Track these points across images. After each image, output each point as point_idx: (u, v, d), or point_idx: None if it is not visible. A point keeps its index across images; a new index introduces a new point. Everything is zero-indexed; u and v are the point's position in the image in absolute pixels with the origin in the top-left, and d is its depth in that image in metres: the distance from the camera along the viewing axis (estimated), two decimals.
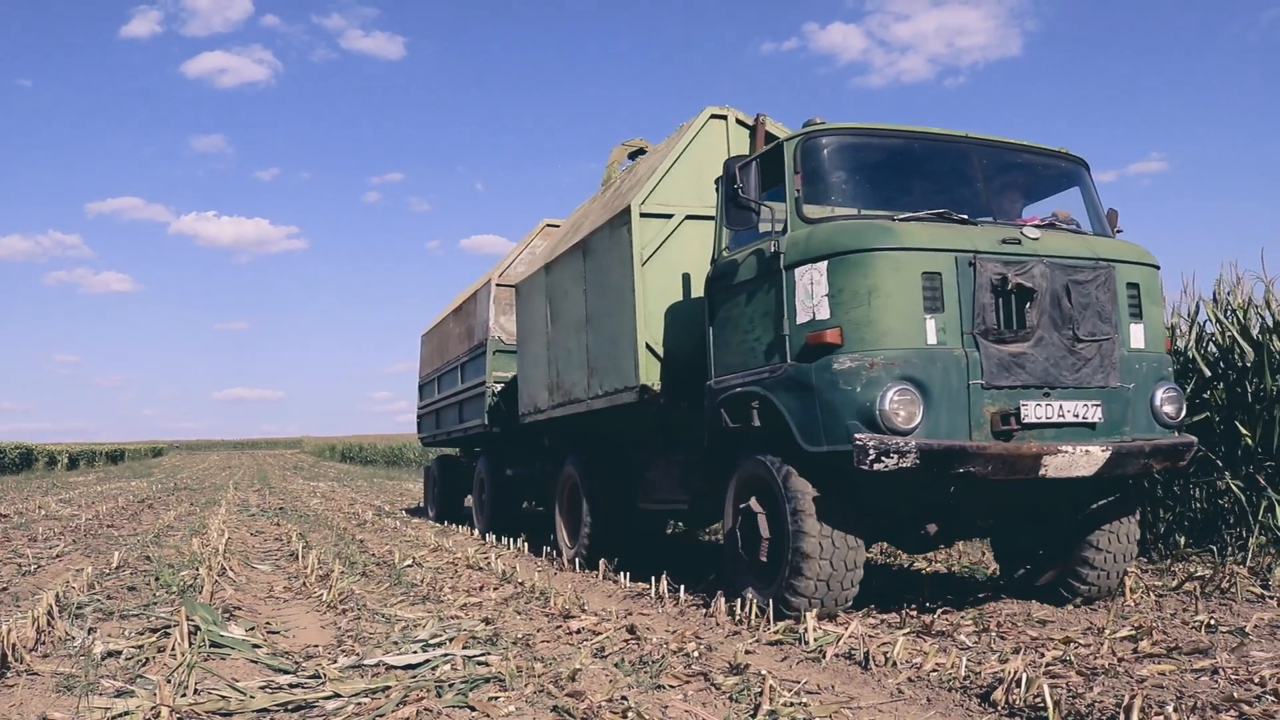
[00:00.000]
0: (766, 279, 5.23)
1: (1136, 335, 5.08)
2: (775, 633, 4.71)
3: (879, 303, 4.67)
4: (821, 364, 4.76)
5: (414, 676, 3.89)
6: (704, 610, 5.49)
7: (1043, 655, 4.12)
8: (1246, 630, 4.55)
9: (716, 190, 5.79)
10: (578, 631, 4.90)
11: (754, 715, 3.35)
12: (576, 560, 7.77)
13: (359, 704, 3.53)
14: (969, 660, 3.95)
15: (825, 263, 4.84)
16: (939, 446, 4.47)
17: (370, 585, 6.69)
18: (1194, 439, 5.14)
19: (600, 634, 4.78)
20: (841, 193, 5.34)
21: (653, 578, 6.26)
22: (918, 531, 5.34)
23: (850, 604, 5.04)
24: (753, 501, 5.26)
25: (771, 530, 5.11)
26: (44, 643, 4.67)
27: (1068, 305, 4.83)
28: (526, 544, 9.33)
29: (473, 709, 3.46)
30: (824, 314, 4.82)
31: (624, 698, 3.55)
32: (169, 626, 4.86)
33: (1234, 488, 6.70)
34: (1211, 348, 7.54)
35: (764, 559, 5.13)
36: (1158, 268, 5.28)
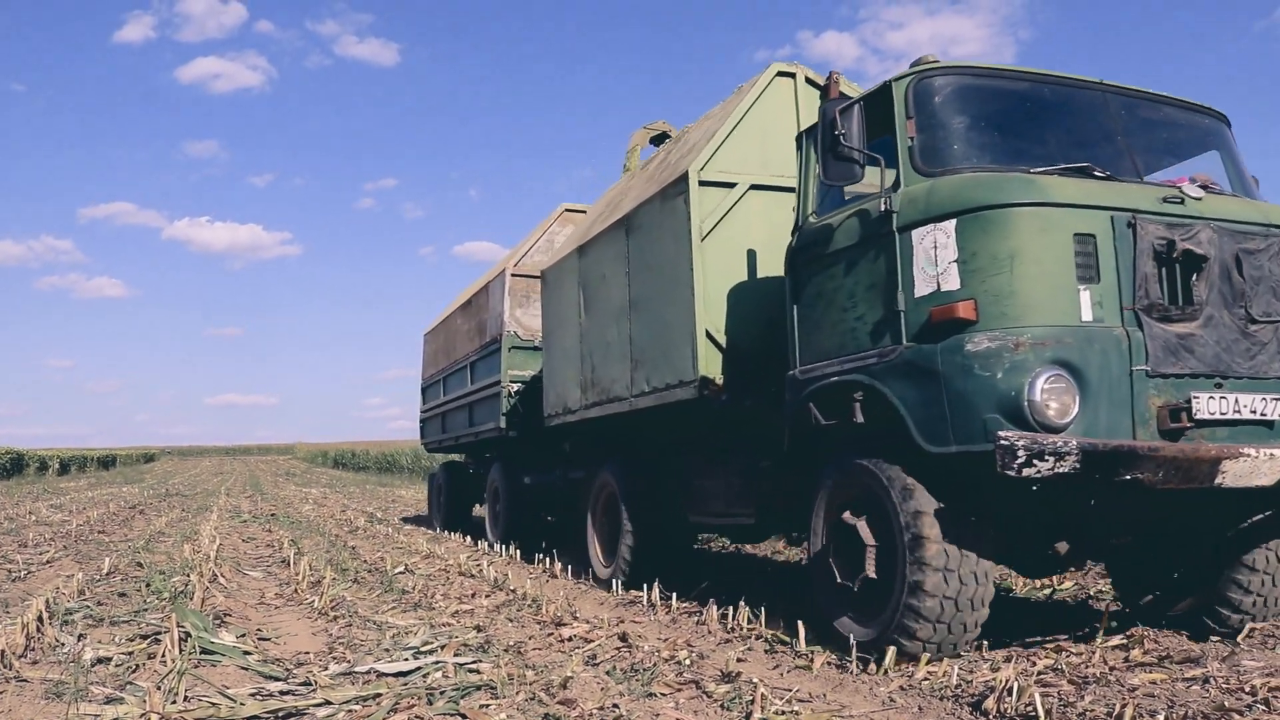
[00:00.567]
0: (873, 244, 4.45)
1: None
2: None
3: (1024, 270, 3.92)
4: (950, 345, 3.99)
5: (405, 684, 3.88)
6: (696, 618, 5.48)
7: (1034, 664, 4.12)
8: (1238, 639, 4.56)
9: (799, 148, 5.17)
10: (569, 639, 4.89)
11: None
12: (615, 581, 6.83)
13: (350, 711, 3.52)
14: (960, 668, 3.95)
15: (953, 222, 4.08)
16: (1104, 448, 3.64)
17: (362, 592, 6.67)
18: None
19: (592, 641, 4.77)
20: (963, 142, 4.47)
21: (644, 585, 6.25)
22: (1044, 551, 4.56)
23: (971, 645, 4.26)
24: (851, 516, 4.44)
25: (878, 551, 4.28)
26: (34, 649, 4.64)
27: (1239, 279, 4.11)
28: (519, 551, 9.32)
29: (464, 717, 3.45)
30: (952, 284, 4.05)
31: (615, 705, 3.55)
32: (159, 633, 4.84)
33: None
34: None
35: (866, 587, 4.30)
36: None
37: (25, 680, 4.05)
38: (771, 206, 5.94)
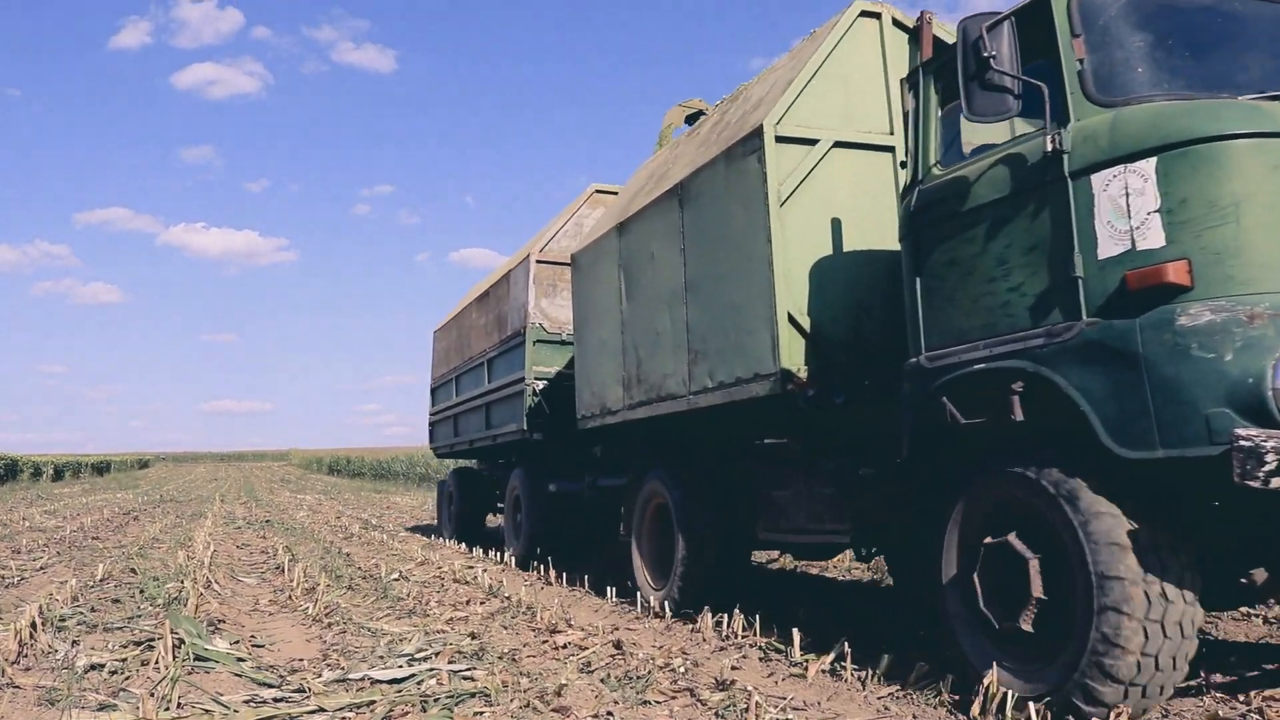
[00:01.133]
0: (1033, 195, 3.62)
1: None
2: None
3: (1254, 219, 3.13)
4: (1155, 319, 3.17)
5: (399, 691, 3.88)
6: (690, 625, 5.48)
7: None
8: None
9: (912, 87, 4.46)
10: (564, 646, 4.89)
11: None
12: (666, 605, 5.92)
13: (344, 718, 3.52)
14: (954, 675, 3.96)
15: (1152, 161, 3.28)
16: None
17: (356, 599, 6.66)
18: None
19: (587, 649, 4.77)
20: (1150, 64, 3.62)
21: (638, 593, 6.25)
22: (1235, 579, 3.74)
23: (1173, 692, 3.43)
24: (1017, 541, 3.53)
25: (1046, 580, 3.44)
26: (26, 655, 4.63)
27: None
28: (514, 559, 9.31)
29: None
30: (1153, 240, 3.25)
31: (610, 713, 3.55)
32: (153, 639, 4.83)
33: None
34: None
35: (1029, 624, 3.46)
36: None
37: (18, 687, 4.04)
38: (858, 168, 5.17)
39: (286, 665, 4.52)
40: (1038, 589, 3.41)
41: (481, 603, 6.45)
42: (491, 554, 9.82)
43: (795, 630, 4.65)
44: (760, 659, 4.60)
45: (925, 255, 4.10)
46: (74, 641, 4.93)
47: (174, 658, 4.37)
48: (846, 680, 4.06)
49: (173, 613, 5.42)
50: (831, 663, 4.28)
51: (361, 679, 4.08)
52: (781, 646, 4.69)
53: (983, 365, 3.70)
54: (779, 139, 5.02)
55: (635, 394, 6.55)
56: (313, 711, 3.61)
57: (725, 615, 5.31)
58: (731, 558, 5.89)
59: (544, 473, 9.20)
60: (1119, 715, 3.19)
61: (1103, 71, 3.59)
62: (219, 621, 5.63)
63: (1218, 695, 3.82)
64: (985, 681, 3.50)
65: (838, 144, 5.17)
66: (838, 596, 6.98)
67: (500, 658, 4.55)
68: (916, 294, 4.12)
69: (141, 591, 6.68)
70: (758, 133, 5.04)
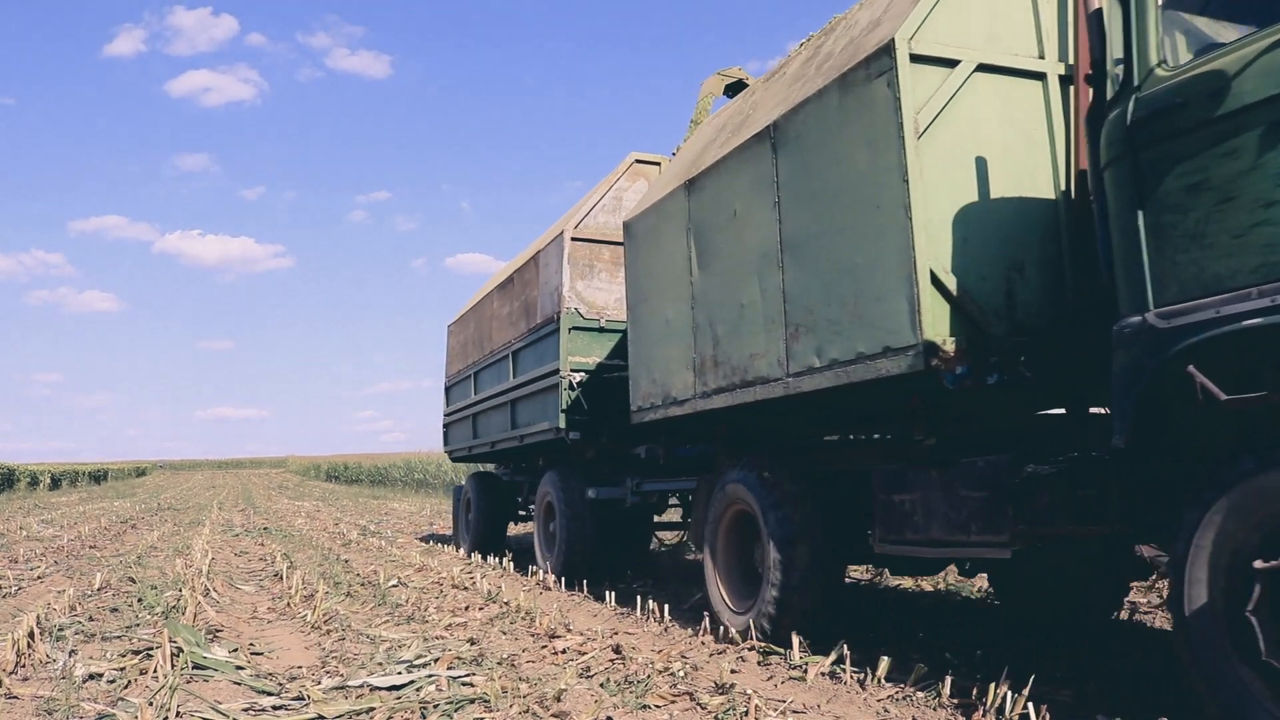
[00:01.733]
0: None
1: None
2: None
3: None
4: None
5: (398, 698, 3.88)
6: (690, 629, 5.48)
7: (1030, 673, 4.13)
8: None
9: None
10: (563, 651, 4.88)
11: None
12: (752, 632, 5.00)
13: None
14: (955, 678, 3.96)
15: None
16: None
17: (355, 605, 6.65)
18: None
19: (586, 654, 4.77)
20: None
21: (638, 597, 6.25)
22: None
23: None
24: None
25: None
26: (24, 665, 4.62)
27: None
28: (512, 563, 9.30)
29: None
30: None
31: (610, 718, 3.55)
32: (151, 648, 4.82)
33: None
34: None
35: None
36: None
37: (16, 697, 4.03)
38: (1005, 97, 4.30)
39: (285, 673, 4.51)
40: None
41: (480, 608, 6.44)
42: (489, 559, 9.80)
43: (794, 633, 4.65)
44: (759, 662, 4.60)
45: (1153, 180, 3.15)
46: (72, 651, 4.92)
47: (172, 666, 4.37)
48: (846, 683, 4.06)
49: (171, 621, 5.41)
50: (831, 665, 4.28)
51: (360, 686, 4.07)
52: (780, 650, 4.69)
53: (1260, 320, 2.74)
54: (914, 57, 4.10)
55: (711, 380, 5.56)
56: (312, 719, 3.61)
57: None
58: (837, 576, 5.13)
59: (581, 477, 8.23)
60: None
61: None
62: (217, 630, 5.62)
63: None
64: None
65: (981, 67, 4.26)
66: (837, 597, 6.90)
67: (499, 663, 4.55)
68: (1139, 233, 3.17)
69: (140, 600, 6.67)
70: (887, 49, 4.12)
